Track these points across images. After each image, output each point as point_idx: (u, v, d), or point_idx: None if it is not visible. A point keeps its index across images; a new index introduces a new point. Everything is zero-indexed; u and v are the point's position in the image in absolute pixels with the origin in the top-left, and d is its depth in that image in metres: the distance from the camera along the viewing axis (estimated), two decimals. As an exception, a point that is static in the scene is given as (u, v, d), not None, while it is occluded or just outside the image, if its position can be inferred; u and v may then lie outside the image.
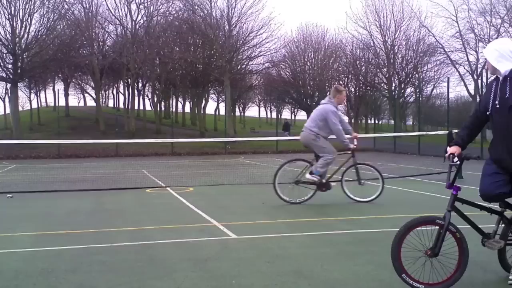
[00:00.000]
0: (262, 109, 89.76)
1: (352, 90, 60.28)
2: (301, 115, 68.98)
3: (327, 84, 57.23)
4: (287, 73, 59.75)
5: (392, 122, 54.25)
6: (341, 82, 59.46)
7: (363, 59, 54.29)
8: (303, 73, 58.41)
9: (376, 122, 66.30)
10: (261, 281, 4.84)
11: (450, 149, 4.39)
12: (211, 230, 7.41)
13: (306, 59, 58.31)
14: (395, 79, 51.78)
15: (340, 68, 57.50)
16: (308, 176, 9.76)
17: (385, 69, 51.90)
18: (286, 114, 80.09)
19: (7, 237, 7.14)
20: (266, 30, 44.85)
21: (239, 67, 49.38)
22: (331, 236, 6.92)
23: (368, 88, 56.55)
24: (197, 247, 6.36)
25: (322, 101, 10.11)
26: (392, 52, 50.50)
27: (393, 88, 51.47)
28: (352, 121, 62.49)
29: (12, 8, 38.27)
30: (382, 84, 53.97)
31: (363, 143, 37.21)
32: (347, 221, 8.04)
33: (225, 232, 7.21)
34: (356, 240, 6.68)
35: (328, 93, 10.46)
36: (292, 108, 74.77)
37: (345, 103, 65.41)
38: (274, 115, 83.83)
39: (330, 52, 56.44)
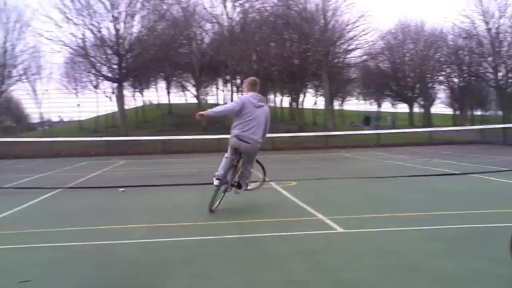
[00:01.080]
0: (362, 102, 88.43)
1: (456, 80, 58.16)
2: (402, 107, 67.36)
3: (428, 75, 55.57)
4: (385, 65, 58.61)
5: (500, 113, 51.78)
6: (443, 73, 57.59)
7: (465, 48, 52.10)
8: (403, 65, 57.03)
9: (483, 113, 63.55)
10: (372, 275, 4.79)
11: None
12: (317, 224, 7.41)
13: (405, 50, 56.87)
14: (502, 68, 49.26)
15: (441, 59, 55.53)
16: (251, 186, 9.51)
17: (490, 58, 49.50)
18: (386, 107, 78.35)
19: (122, 229, 7.51)
20: (363, 22, 44.20)
21: (336, 61, 48.91)
22: (441, 231, 6.71)
23: (473, 78, 54.23)
24: (305, 240, 6.39)
25: (259, 103, 8.65)
26: (497, 40, 48.09)
27: (500, 77, 49.03)
28: (457, 112, 60.35)
29: (116, 11, 40.06)
30: (488, 74, 51.56)
31: (469, 135, 35.91)
32: (456, 216, 7.78)
33: (332, 225, 7.19)
34: (468, 235, 6.44)
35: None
36: (392, 101, 73.05)
37: (448, 94, 63.25)
38: (374, 108, 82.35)
39: (430, 42, 54.69)
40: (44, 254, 6.09)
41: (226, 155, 8.96)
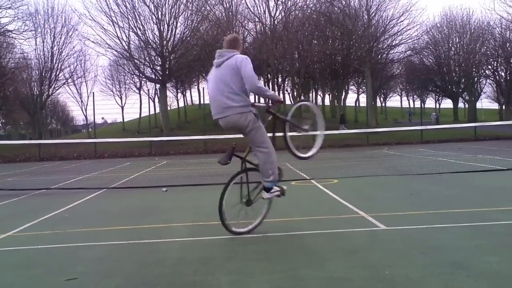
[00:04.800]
0: (404, 98, 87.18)
1: (503, 74, 56.85)
2: (446, 103, 66.26)
3: (474, 70, 54.43)
4: (430, 60, 57.77)
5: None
6: (489, 67, 56.35)
7: (513, 41, 50.83)
8: (448, 59, 56.04)
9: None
10: (416, 272, 4.70)
11: None
12: (360, 221, 7.33)
13: (450, 45, 55.88)
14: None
15: (488, 52, 54.36)
16: (267, 196, 6.65)
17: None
18: (429, 103, 77.16)
19: (166, 227, 7.60)
20: (407, 17, 43.72)
21: (379, 57, 48.39)
22: (488, 227, 6.55)
23: (520, 71, 52.89)
24: (347, 237, 6.34)
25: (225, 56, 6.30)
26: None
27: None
28: (503, 107, 59.01)
29: (159, 13, 40.56)
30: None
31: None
32: (504, 212, 7.57)
33: (374, 223, 7.10)
34: (515, 231, 6.27)
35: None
36: (436, 97, 71.83)
37: (495, 89, 61.75)
38: (417, 104, 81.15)
39: (477, 36, 53.56)
40: (90, 252, 6.20)
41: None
